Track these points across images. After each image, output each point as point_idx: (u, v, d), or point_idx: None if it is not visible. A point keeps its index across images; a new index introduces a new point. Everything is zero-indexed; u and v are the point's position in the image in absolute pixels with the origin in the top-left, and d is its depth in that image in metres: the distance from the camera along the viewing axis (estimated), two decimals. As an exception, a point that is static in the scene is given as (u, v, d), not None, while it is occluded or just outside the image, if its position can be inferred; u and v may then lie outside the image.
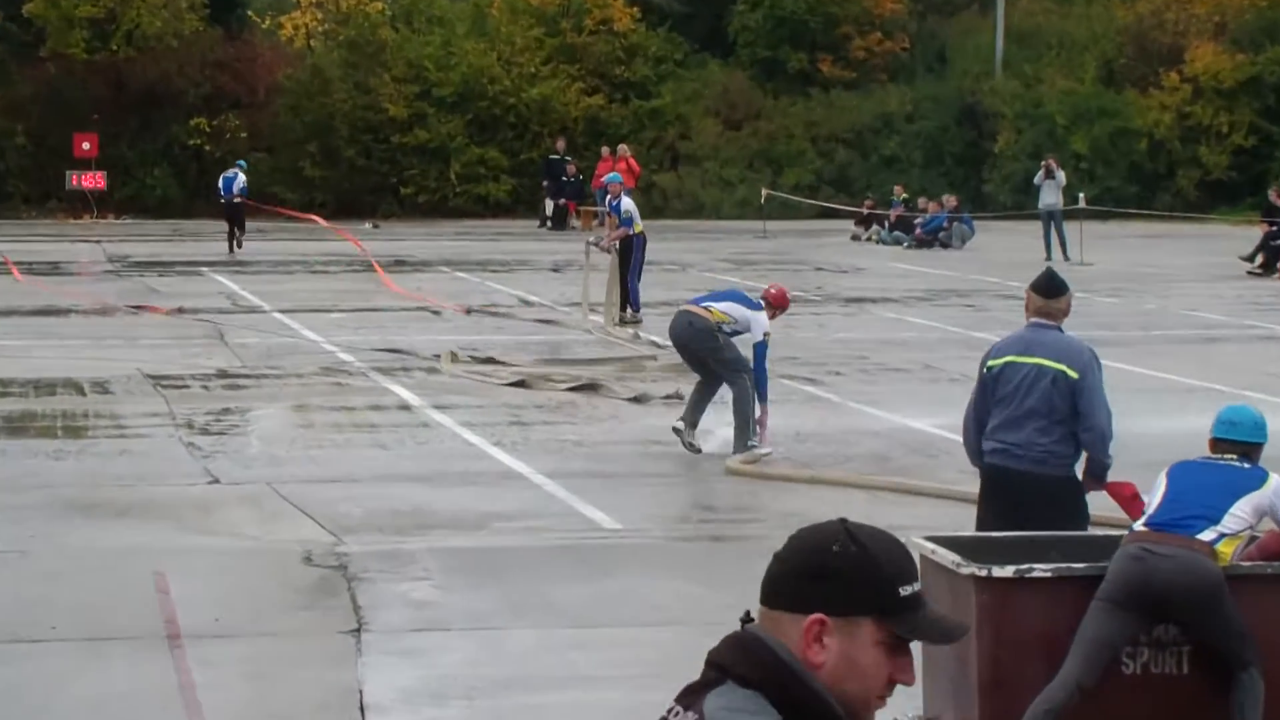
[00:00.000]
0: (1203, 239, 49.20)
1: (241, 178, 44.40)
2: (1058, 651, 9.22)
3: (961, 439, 11.20)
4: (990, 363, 10.83)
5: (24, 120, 56.11)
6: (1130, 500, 10.65)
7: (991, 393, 10.76)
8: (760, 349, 17.38)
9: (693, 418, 17.64)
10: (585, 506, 15.42)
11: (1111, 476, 10.73)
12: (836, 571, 3.67)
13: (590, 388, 21.56)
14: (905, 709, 9.95)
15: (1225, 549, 9.37)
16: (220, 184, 44.96)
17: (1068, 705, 9.14)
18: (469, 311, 29.80)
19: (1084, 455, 10.70)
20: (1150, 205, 55.00)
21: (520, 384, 21.88)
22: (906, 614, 3.65)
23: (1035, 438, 10.58)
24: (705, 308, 17.56)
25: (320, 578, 13.10)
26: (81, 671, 10.97)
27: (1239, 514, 9.43)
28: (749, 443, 17.09)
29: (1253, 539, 9.58)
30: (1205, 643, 9.31)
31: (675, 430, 17.63)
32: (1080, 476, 10.74)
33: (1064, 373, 10.58)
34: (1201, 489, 9.56)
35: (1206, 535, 9.35)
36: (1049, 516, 10.40)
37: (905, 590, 3.65)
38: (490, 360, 23.61)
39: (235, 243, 42.86)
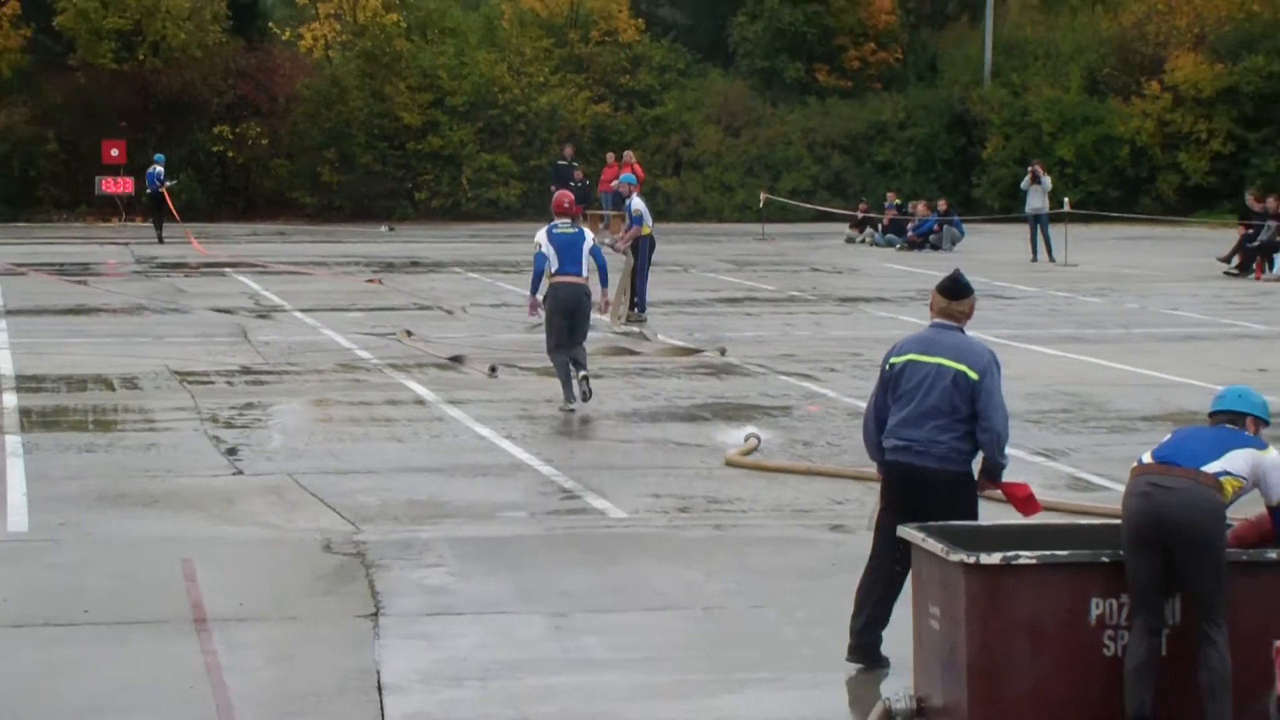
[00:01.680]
0: (1182, 241, 49.20)
1: (159, 169, 48.30)
2: (1045, 637, 9.25)
3: (862, 434, 11.03)
4: (893, 360, 10.69)
5: (55, 128, 56.18)
6: (1025, 501, 10.57)
7: (892, 389, 10.64)
8: (597, 250, 20.07)
9: (572, 390, 19.83)
10: (592, 497, 15.46)
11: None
12: None
13: (456, 359, 23.75)
14: (896, 689, 10.00)
15: (1229, 486, 9.38)
16: (146, 179, 48.98)
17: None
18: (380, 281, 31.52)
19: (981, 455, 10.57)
20: (1132, 209, 55.01)
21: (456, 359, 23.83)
22: None
23: (936, 435, 10.45)
24: (585, 277, 19.82)
25: (339, 564, 13.15)
26: (111, 655, 11.03)
27: (1238, 459, 9.41)
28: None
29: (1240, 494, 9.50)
30: (1189, 591, 9.29)
31: (570, 410, 19.67)
32: (976, 475, 10.62)
33: (964, 373, 10.44)
34: (1199, 437, 9.61)
35: (1211, 468, 9.39)
36: (947, 512, 10.36)
37: None
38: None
39: (161, 232, 47.03)
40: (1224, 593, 9.28)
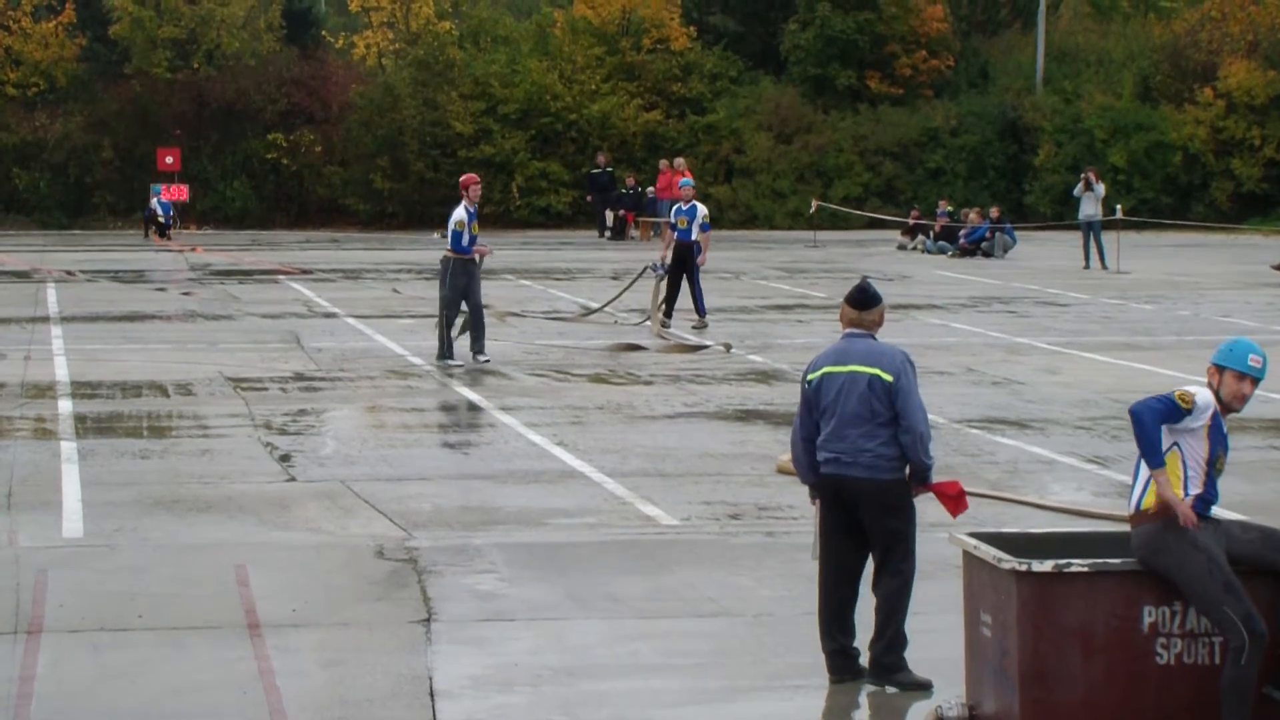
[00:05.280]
0: (1235, 248, 48.99)
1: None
2: (1097, 644, 9.21)
3: (791, 458, 10.96)
4: (809, 376, 10.65)
5: (110, 135, 56.52)
6: (955, 500, 10.49)
7: (815, 406, 10.60)
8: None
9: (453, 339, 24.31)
10: (643, 504, 15.46)
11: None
12: None
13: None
14: (948, 697, 9.98)
15: (1150, 498, 9.38)
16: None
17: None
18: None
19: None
20: (1184, 216, 54.83)
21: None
22: None
23: (861, 443, 10.43)
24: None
25: (392, 570, 13.18)
26: (165, 660, 11.07)
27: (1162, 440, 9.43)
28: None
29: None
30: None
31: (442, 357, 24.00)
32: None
33: (878, 376, 10.43)
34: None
35: (1140, 484, 9.47)
36: (880, 519, 10.41)
37: None
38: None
39: (150, 234, 51.49)
40: (1205, 604, 9.17)
